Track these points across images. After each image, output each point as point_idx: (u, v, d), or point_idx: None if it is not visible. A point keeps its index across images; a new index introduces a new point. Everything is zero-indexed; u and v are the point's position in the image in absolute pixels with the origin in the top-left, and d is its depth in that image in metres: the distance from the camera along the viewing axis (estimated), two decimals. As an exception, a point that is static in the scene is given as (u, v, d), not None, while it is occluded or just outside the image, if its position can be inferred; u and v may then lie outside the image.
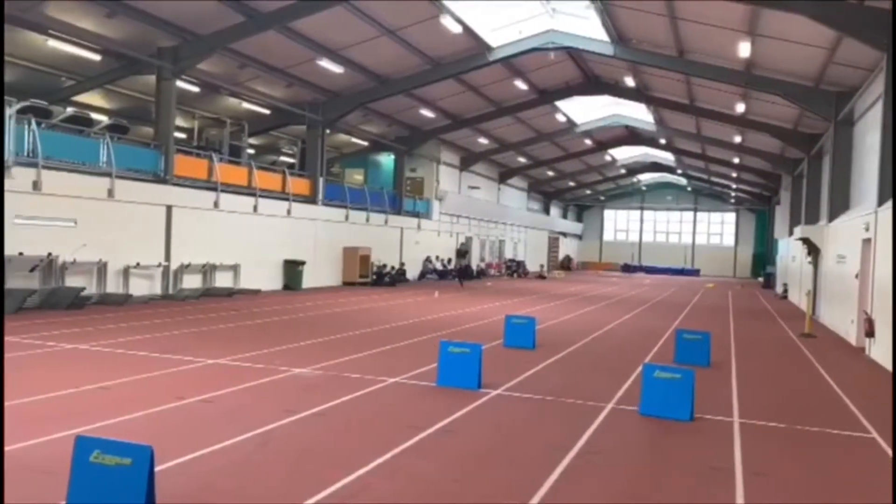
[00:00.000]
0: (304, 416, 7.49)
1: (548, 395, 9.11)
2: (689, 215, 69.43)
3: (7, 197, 15.49)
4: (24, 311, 15.19)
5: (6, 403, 7.49)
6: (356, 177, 37.07)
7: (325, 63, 23.90)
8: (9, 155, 14.06)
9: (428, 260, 37.42)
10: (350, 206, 30.24)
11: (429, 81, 27.01)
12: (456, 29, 22.35)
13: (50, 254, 16.59)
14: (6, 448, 5.89)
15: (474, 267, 42.10)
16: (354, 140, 35.26)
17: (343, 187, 31.19)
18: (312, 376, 9.72)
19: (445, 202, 39.36)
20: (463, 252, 41.07)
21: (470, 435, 7.13)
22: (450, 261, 39.48)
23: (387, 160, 37.55)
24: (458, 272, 36.88)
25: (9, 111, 14.06)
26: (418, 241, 36.50)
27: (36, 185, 16.30)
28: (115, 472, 4.19)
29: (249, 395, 8.49)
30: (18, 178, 15.29)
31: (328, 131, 29.77)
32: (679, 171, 56.86)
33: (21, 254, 15.87)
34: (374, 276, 30.35)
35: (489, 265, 46.31)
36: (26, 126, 16.28)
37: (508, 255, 51.27)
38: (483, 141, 39.63)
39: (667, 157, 50.59)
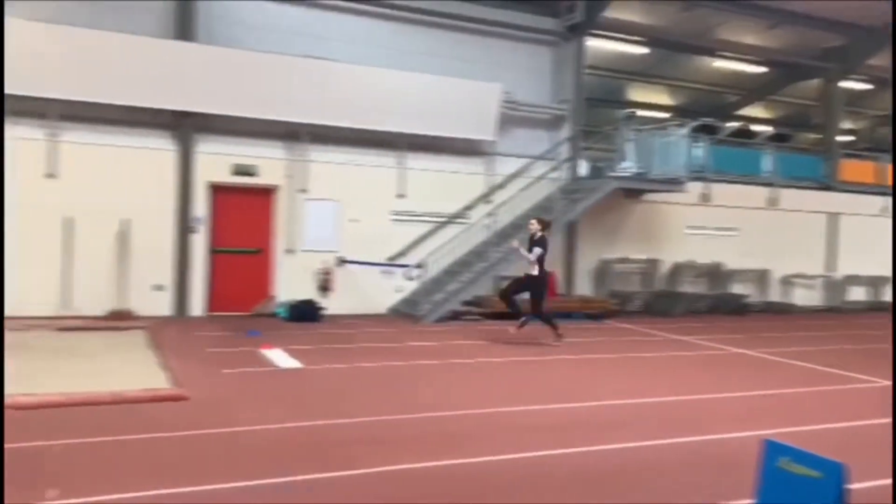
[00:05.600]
0: None
1: None
2: None
3: (678, 209, 17.37)
4: (691, 315, 16.59)
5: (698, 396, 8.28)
6: None
7: None
8: (682, 170, 15.74)
9: None
10: None
11: None
12: None
13: (719, 263, 17.80)
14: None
15: None
16: None
17: None
18: None
19: None
20: None
21: None
22: None
23: None
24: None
25: (683, 131, 15.75)
26: None
27: (704, 198, 17.74)
28: (802, 482, 4.14)
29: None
30: (689, 191, 16.82)
31: None
32: None
33: (692, 261, 17.58)
34: None
35: None
36: (697, 144, 17.85)
37: None
38: None
39: None
